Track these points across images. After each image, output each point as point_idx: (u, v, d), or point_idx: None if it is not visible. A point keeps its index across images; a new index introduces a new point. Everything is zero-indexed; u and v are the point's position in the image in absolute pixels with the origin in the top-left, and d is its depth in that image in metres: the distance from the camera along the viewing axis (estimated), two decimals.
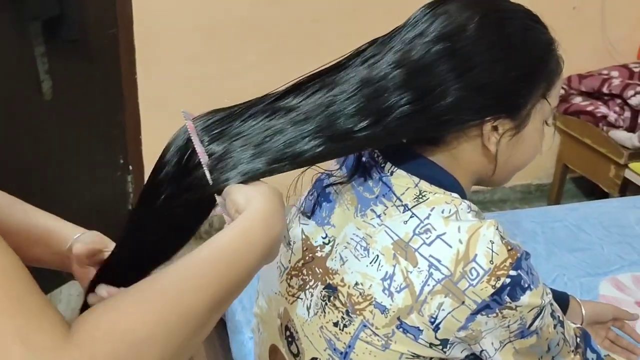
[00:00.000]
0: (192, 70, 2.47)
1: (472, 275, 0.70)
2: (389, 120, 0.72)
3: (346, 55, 0.78)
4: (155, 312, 0.52)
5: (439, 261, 0.72)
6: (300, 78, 0.77)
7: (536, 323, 0.74)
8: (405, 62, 0.73)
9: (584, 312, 1.11)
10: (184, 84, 2.48)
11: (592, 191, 3.03)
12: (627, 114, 2.63)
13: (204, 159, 0.70)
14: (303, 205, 0.89)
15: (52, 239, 0.83)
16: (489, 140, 0.78)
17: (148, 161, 2.56)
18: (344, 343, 0.76)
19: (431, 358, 0.75)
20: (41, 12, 2.05)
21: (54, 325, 0.47)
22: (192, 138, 0.71)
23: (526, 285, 0.71)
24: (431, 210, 0.75)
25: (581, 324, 1.10)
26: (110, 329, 0.49)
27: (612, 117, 2.67)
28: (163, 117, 2.53)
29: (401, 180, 0.79)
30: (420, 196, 0.77)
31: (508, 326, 0.72)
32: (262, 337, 0.95)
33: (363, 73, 0.74)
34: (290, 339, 0.85)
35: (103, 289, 0.74)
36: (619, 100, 2.68)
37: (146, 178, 2.45)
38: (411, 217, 0.75)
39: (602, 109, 2.73)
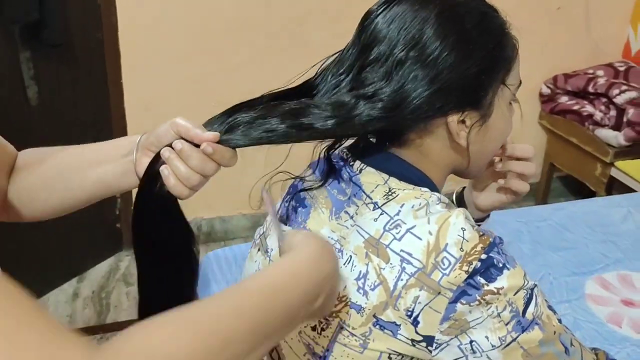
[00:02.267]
0: (178, 73, 2.46)
1: (444, 264, 0.70)
2: (354, 121, 0.73)
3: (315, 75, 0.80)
4: (194, 331, 0.50)
5: (410, 255, 0.71)
6: (281, 89, 0.78)
7: (530, 309, 0.71)
8: (374, 81, 0.75)
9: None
10: (171, 87, 2.47)
11: (579, 190, 3.05)
12: (613, 112, 2.65)
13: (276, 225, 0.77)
14: (279, 211, 0.89)
15: (116, 148, 0.81)
16: (458, 136, 0.77)
17: None
18: (322, 347, 0.76)
19: (414, 359, 0.74)
20: (20, 16, 2.04)
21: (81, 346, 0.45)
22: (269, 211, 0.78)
23: (501, 265, 0.70)
24: (401, 207, 0.75)
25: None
26: (139, 345, 0.47)
27: (597, 116, 2.68)
28: (150, 119, 2.52)
29: (370, 177, 0.79)
30: (390, 193, 0.77)
31: (499, 315, 0.70)
32: None
33: (332, 96, 0.76)
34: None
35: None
36: (604, 99, 2.70)
37: None
38: (381, 214, 0.75)
39: (588, 108, 2.74)
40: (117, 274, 2.54)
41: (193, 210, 2.56)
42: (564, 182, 3.19)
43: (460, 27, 0.75)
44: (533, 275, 1.59)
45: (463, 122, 0.77)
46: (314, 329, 0.77)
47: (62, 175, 0.83)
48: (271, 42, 2.52)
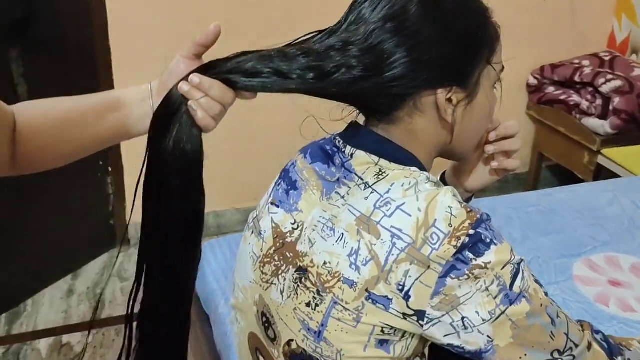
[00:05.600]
0: None
1: (433, 240, 0.72)
2: (335, 79, 0.77)
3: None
4: None
5: (400, 230, 0.74)
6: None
7: (518, 283, 0.74)
8: (353, 42, 0.78)
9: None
10: None
11: (568, 178, 3.08)
12: (599, 101, 2.68)
13: None
14: (272, 195, 0.92)
15: (130, 94, 0.84)
16: (446, 112, 0.81)
17: (127, 162, 2.56)
18: (317, 322, 0.78)
19: (406, 332, 0.76)
20: (4, 14, 2.04)
21: None
22: None
23: (488, 241, 0.73)
24: (391, 186, 0.78)
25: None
26: None
27: (584, 105, 2.72)
28: None
29: (361, 160, 0.82)
30: (380, 173, 0.80)
31: (487, 289, 0.72)
32: (240, 327, 0.96)
33: (313, 60, 0.79)
34: (267, 325, 0.87)
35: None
36: (590, 89, 2.74)
37: (126, 179, 2.48)
38: (372, 193, 0.78)
39: (575, 98, 2.78)
40: (111, 270, 2.55)
41: None
42: (552, 171, 3.23)
43: (441, 7, 0.79)
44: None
45: (450, 100, 0.80)
46: (308, 305, 0.79)
47: (76, 122, 0.84)
48: (259, 41, 2.51)
